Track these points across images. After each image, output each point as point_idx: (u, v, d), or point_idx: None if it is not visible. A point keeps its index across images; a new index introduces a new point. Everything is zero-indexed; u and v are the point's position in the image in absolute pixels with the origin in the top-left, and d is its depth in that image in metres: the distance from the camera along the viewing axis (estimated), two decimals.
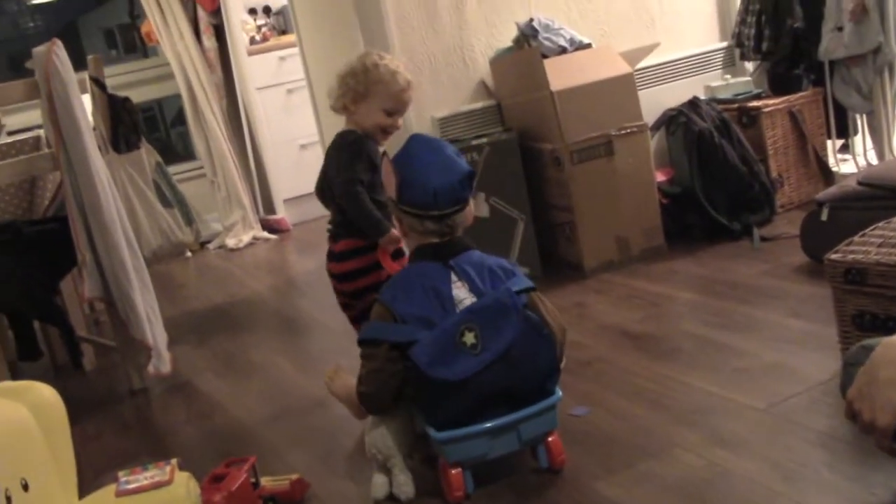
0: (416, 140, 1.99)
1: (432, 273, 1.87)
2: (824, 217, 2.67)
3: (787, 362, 2.12)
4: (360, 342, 1.89)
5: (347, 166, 2.14)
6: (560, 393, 1.86)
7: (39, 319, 2.94)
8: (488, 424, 1.78)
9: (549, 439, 1.85)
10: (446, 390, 1.75)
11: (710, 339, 2.36)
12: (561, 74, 3.04)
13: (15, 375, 2.80)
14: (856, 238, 2.04)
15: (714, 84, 3.55)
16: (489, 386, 1.77)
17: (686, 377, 2.16)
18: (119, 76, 5.62)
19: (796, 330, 2.30)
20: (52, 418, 1.65)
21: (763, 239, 3.06)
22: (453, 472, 1.80)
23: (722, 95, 3.46)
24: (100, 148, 3.08)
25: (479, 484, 1.83)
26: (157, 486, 1.66)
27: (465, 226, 1.95)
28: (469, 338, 1.78)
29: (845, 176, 3.32)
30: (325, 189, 2.23)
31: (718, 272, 2.86)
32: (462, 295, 1.84)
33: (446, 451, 1.79)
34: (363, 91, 2.15)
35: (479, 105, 3.39)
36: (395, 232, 2.09)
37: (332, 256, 2.23)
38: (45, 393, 1.66)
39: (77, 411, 2.82)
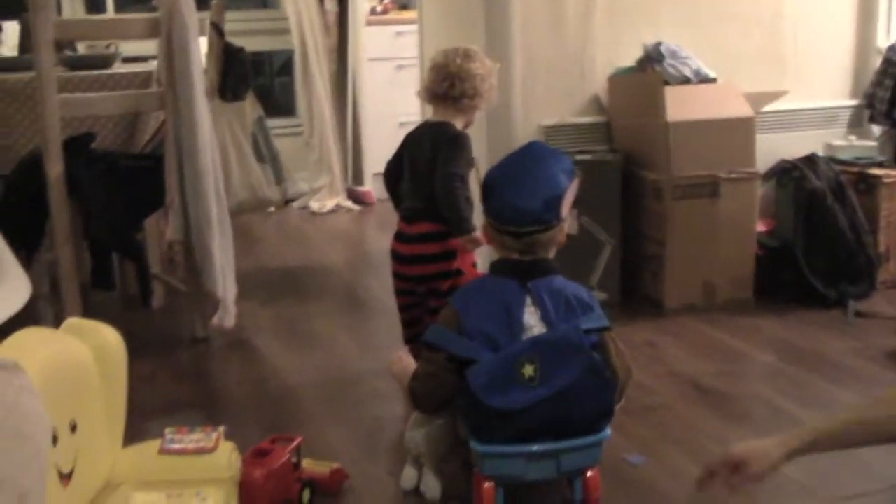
0: (525, 148, 1.98)
1: (508, 291, 1.83)
2: None
3: (864, 455, 1.98)
4: (424, 343, 1.88)
5: (454, 160, 2.13)
6: (609, 432, 1.81)
7: (119, 252, 2.97)
8: (530, 448, 1.75)
9: (588, 474, 1.81)
10: (495, 415, 1.74)
11: (785, 409, 2.26)
12: (680, 105, 2.94)
13: (85, 302, 2.83)
14: None
15: (836, 143, 3.39)
16: (538, 419, 1.74)
17: None
18: (237, 22, 5.67)
19: None
20: (113, 363, 1.65)
21: (858, 314, 2.91)
22: (486, 485, 1.78)
23: (842, 156, 3.30)
24: (206, 93, 3.10)
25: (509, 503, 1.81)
26: (200, 451, 1.65)
27: (554, 247, 1.91)
28: (528, 370, 1.74)
29: None
30: (406, 172, 2.25)
31: (805, 340, 2.73)
32: (532, 322, 1.81)
33: (483, 464, 1.78)
34: (488, 88, 2.19)
35: (588, 119, 3.30)
36: (479, 235, 2.05)
37: (405, 238, 2.23)
38: (110, 337, 1.66)
39: (137, 348, 2.82)
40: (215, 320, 2.82)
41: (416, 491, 1.91)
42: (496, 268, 1.91)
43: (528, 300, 1.82)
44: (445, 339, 1.82)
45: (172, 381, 2.60)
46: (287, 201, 5.02)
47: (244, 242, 4.27)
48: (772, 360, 2.60)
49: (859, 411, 1.64)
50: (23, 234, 2.66)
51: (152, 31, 2.67)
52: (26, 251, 2.69)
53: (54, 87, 2.54)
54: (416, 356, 2.12)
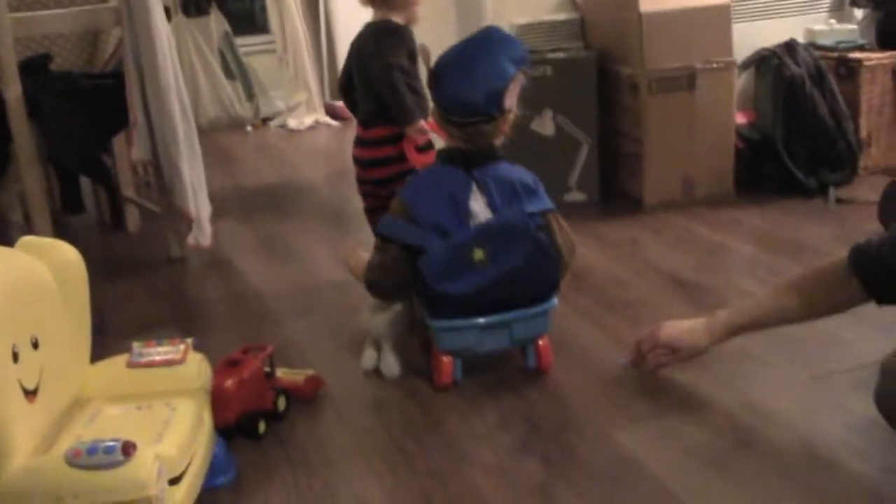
0: (477, 34, 1.94)
1: (454, 180, 1.89)
2: None
3: (840, 334, 2.00)
4: (377, 234, 1.96)
5: (388, 51, 2.15)
6: (556, 301, 1.93)
7: (85, 175, 2.92)
8: (482, 319, 1.86)
9: (540, 343, 1.92)
10: (448, 299, 1.84)
11: None
12: None
13: (59, 228, 2.80)
14: None
15: (816, 27, 3.31)
16: (490, 298, 1.85)
17: None
18: None
19: None
20: (72, 279, 1.61)
21: (839, 200, 2.89)
22: (444, 359, 1.89)
23: (822, 41, 3.22)
24: (168, 9, 3.01)
25: (468, 374, 1.91)
26: (168, 363, 1.63)
27: (499, 136, 1.93)
28: (478, 254, 1.83)
29: None
30: (356, 78, 2.25)
31: (785, 229, 2.71)
32: (478, 208, 1.87)
33: (439, 338, 1.89)
34: None
35: (562, 16, 3.22)
36: (423, 123, 2.10)
37: (363, 143, 2.26)
38: (68, 253, 1.62)
39: (113, 271, 2.85)
40: (191, 240, 2.79)
41: (377, 371, 2.00)
42: (442, 156, 1.95)
43: (474, 187, 1.87)
44: (397, 230, 1.88)
45: (149, 300, 2.58)
46: (264, 120, 4.98)
47: (222, 162, 4.22)
48: (751, 251, 2.58)
49: (769, 299, 1.77)
50: None
51: None
52: None
53: (4, 6, 2.46)
54: None
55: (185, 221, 2.78)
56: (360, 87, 2.26)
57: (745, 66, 3.13)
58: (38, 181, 2.61)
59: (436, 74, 1.91)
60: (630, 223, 2.87)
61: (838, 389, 1.77)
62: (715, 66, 2.88)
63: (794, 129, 2.98)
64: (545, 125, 2.99)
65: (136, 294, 2.63)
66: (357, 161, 2.29)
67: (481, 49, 1.90)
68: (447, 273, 1.82)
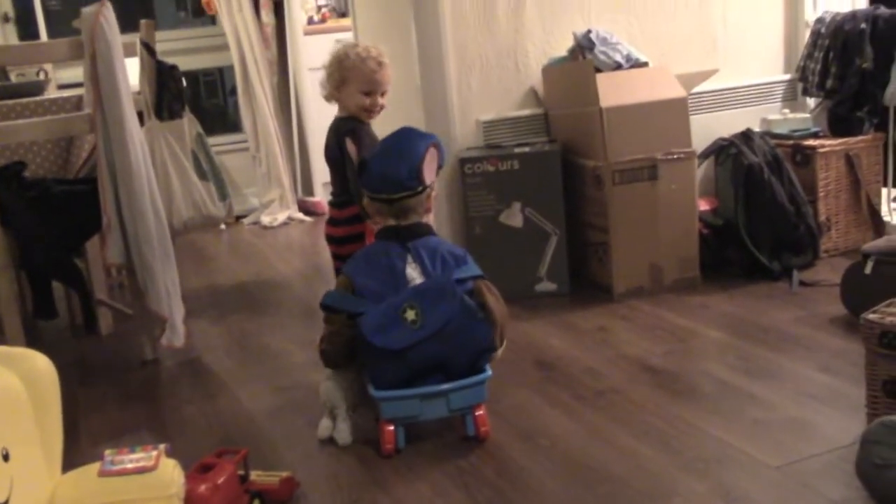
0: (397, 131, 2.24)
1: (392, 252, 2.13)
2: (868, 270, 2.56)
3: (810, 419, 2.03)
4: (322, 307, 2.16)
5: (346, 146, 2.38)
6: (490, 372, 2.09)
7: (58, 280, 2.93)
8: (420, 389, 2.04)
9: (477, 413, 2.07)
10: (386, 356, 2.03)
11: (733, 383, 2.27)
12: (613, 91, 2.96)
13: (31, 333, 2.79)
14: None
15: (771, 117, 3.43)
16: (424, 357, 2.03)
17: (701, 422, 2.07)
18: (183, 40, 5.63)
19: (824, 386, 2.20)
20: (44, 389, 1.61)
21: (802, 283, 2.95)
22: (387, 427, 2.05)
23: (778, 130, 3.34)
24: (142, 114, 3.07)
25: (411, 442, 2.07)
26: (140, 470, 1.62)
27: (424, 212, 2.18)
28: (410, 314, 2.04)
29: None
30: (330, 166, 2.51)
31: (751, 313, 2.75)
32: (414, 275, 2.10)
33: (382, 407, 2.06)
34: (341, 78, 2.41)
35: (526, 112, 3.32)
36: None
37: (337, 222, 2.47)
38: (40, 363, 1.63)
39: (86, 375, 2.84)
40: (164, 341, 2.79)
41: (331, 440, 2.15)
42: (380, 234, 2.19)
43: (409, 257, 2.12)
44: (341, 301, 2.11)
45: (122, 404, 2.57)
46: (238, 218, 5.02)
47: (195, 261, 4.24)
48: (719, 336, 2.62)
49: None
50: None
51: (75, 53, 2.64)
52: None
53: None
54: None
55: (158, 323, 2.78)
56: (331, 173, 2.49)
57: (705, 155, 3.23)
58: (9, 287, 2.61)
59: (364, 164, 2.18)
60: (600, 311, 2.91)
61: (811, 475, 1.79)
62: (675, 156, 2.97)
63: (756, 215, 3.06)
64: (514, 218, 3.05)
65: (109, 398, 2.61)
66: (331, 239, 2.50)
67: (399, 139, 2.20)
68: (382, 329, 2.03)
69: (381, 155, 2.17)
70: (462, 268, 2.12)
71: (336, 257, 2.48)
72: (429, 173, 2.16)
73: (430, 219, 2.24)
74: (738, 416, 2.09)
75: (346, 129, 2.40)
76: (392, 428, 2.05)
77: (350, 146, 2.30)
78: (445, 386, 2.04)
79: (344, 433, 2.14)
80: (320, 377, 2.21)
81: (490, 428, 2.08)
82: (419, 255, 2.12)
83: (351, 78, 2.39)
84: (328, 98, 2.49)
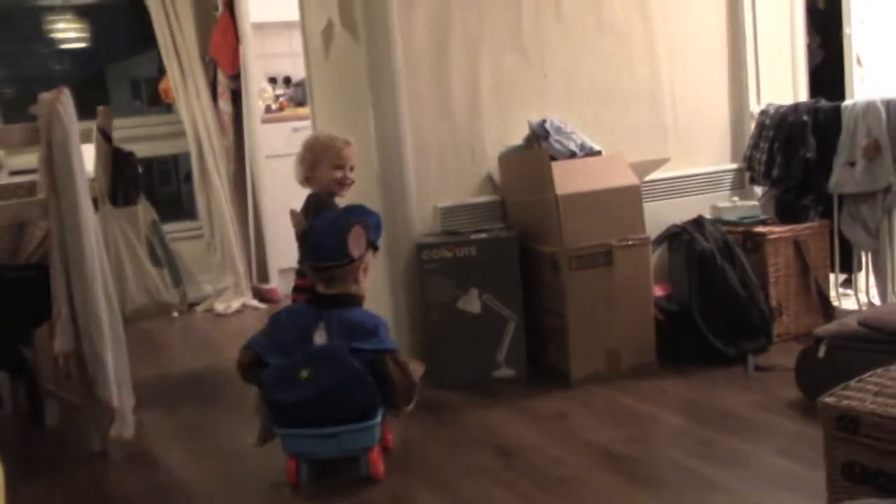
0: (346, 206, 2.62)
1: (308, 316, 2.42)
2: (821, 354, 2.59)
3: None
4: (247, 345, 2.46)
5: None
6: (378, 418, 2.35)
7: (4, 369, 2.85)
8: (313, 430, 2.32)
9: (371, 454, 2.35)
10: (283, 405, 2.33)
11: (693, 469, 2.26)
12: (567, 178, 3.01)
13: None
14: (852, 383, 1.95)
15: (721, 205, 3.52)
16: (315, 410, 2.31)
17: None
18: (140, 128, 5.64)
19: (783, 470, 2.20)
20: None
21: (757, 368, 2.97)
22: (290, 462, 2.37)
23: (728, 217, 3.42)
24: (96, 200, 3.05)
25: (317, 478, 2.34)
26: None
27: (353, 282, 2.44)
28: (304, 374, 2.31)
29: (846, 312, 3.26)
30: None
31: (709, 398, 2.76)
32: (319, 340, 2.37)
33: (283, 442, 2.38)
34: (314, 159, 2.77)
35: (483, 199, 3.36)
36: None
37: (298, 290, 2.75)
38: None
39: (32, 468, 2.73)
40: (112, 432, 2.71)
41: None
42: (308, 298, 2.50)
43: (322, 325, 2.38)
44: (258, 344, 2.42)
45: (69, 499, 2.47)
46: (191, 305, 4.95)
47: (146, 350, 4.15)
48: (679, 422, 2.62)
49: None
50: None
51: (31, 139, 2.63)
52: None
53: None
54: None
55: (107, 413, 2.71)
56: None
57: (659, 241, 3.28)
58: None
59: (305, 235, 2.45)
60: (558, 397, 2.90)
61: None
62: (630, 242, 3.02)
63: (709, 301, 3.10)
64: (472, 303, 3.05)
65: (55, 493, 2.51)
66: (298, 290, 2.74)
67: (339, 215, 2.53)
68: (279, 384, 2.33)
69: (320, 227, 2.46)
70: (368, 340, 2.36)
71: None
72: (355, 248, 2.40)
73: (361, 288, 2.49)
74: (697, 503, 2.07)
75: (313, 200, 2.73)
76: (294, 464, 2.36)
77: (295, 215, 2.53)
78: (334, 429, 2.32)
79: (256, 437, 2.48)
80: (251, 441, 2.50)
81: (384, 470, 2.35)
82: (330, 324, 2.37)
83: (322, 158, 2.76)
84: (303, 181, 2.80)
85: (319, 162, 2.76)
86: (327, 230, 2.43)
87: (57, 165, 2.58)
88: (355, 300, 2.46)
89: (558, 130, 3.22)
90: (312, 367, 2.31)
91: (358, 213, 2.51)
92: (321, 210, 2.64)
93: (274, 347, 2.38)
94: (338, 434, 2.32)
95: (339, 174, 2.75)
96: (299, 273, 2.71)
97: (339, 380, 2.29)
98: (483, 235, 3.11)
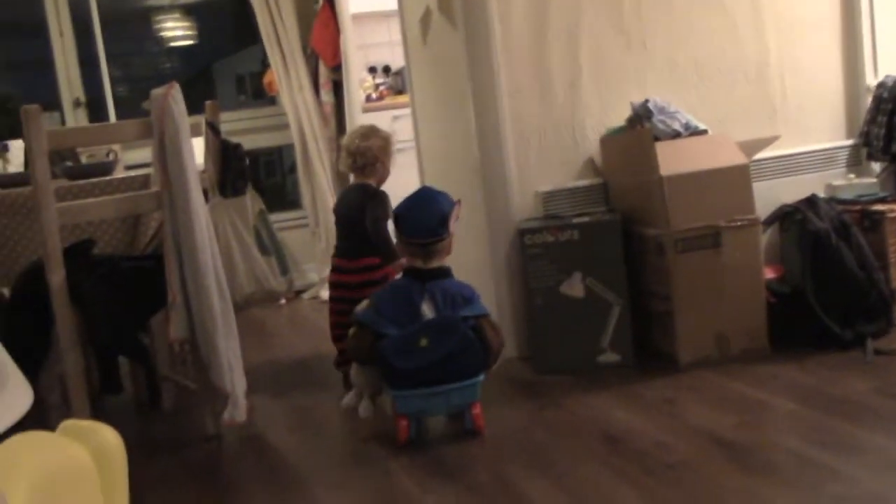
0: (421, 189, 2.88)
1: (413, 289, 2.66)
2: None
3: (893, 495, 1.93)
4: (355, 321, 2.69)
5: (377, 211, 3.09)
6: (482, 377, 2.59)
7: (124, 355, 2.97)
8: (420, 391, 2.54)
9: (474, 411, 2.58)
10: (401, 373, 2.54)
11: (809, 457, 2.18)
12: (672, 159, 2.94)
13: (96, 408, 2.82)
14: None
15: (836, 183, 3.38)
16: (430, 375, 2.52)
17: (779, 498, 1.99)
18: (244, 121, 5.80)
19: None
20: (113, 464, 1.61)
21: (877, 352, 2.85)
22: (402, 422, 2.57)
23: (844, 195, 3.28)
24: (206, 191, 3.14)
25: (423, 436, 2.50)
26: None
27: (446, 254, 2.71)
28: (423, 342, 2.55)
29: None
30: (344, 225, 3.24)
31: (825, 383, 2.66)
32: (427, 310, 2.62)
33: (397, 403, 2.58)
34: (391, 152, 3.21)
35: (584, 183, 3.32)
36: (403, 261, 2.79)
37: (352, 271, 3.14)
38: (109, 437, 1.63)
39: (149, 450, 2.84)
40: (226, 416, 2.79)
41: (355, 412, 2.83)
42: (407, 272, 2.73)
43: (426, 295, 2.63)
44: (369, 318, 2.64)
45: (185, 480, 2.56)
46: (298, 292, 5.06)
47: (256, 337, 4.27)
48: (792, 407, 2.53)
49: None
50: (29, 344, 2.67)
51: (144, 133, 2.72)
52: (34, 361, 2.70)
53: (51, 195, 2.58)
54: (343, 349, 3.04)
55: (220, 398, 2.79)
56: (346, 229, 3.21)
57: (769, 222, 3.17)
58: (77, 363, 2.65)
59: (399, 216, 2.73)
60: (666, 382, 2.84)
61: None
62: (739, 223, 2.93)
63: (825, 282, 2.98)
64: (575, 288, 3.02)
65: (172, 474, 2.61)
66: (346, 285, 3.12)
67: (424, 197, 2.76)
68: (400, 353, 2.54)
69: (413, 208, 2.72)
70: (468, 307, 2.63)
71: (344, 301, 3.04)
72: (453, 223, 2.70)
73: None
74: (817, 491, 2.00)
75: (376, 192, 3.15)
76: (406, 422, 2.55)
77: (389, 204, 2.95)
78: (445, 387, 2.54)
79: (367, 409, 2.79)
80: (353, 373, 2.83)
81: (485, 424, 2.58)
82: (434, 294, 2.63)
83: (390, 153, 3.21)
84: (373, 170, 3.19)
85: (392, 155, 3.19)
86: (425, 210, 2.69)
87: (169, 158, 2.67)
88: (450, 272, 2.71)
89: (661, 110, 3.14)
90: (430, 336, 2.54)
91: (439, 194, 2.77)
92: (386, 206, 3.07)
93: (387, 321, 2.60)
94: (447, 392, 2.54)
95: (385, 174, 3.21)
96: (354, 255, 3.11)
97: (455, 346, 2.53)
98: (586, 219, 3.07)
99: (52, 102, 5.34)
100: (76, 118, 5.35)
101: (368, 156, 3.17)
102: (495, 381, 3.10)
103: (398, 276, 2.91)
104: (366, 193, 3.15)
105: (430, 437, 2.65)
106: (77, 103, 5.35)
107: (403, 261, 2.79)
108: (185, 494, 2.46)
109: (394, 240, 2.91)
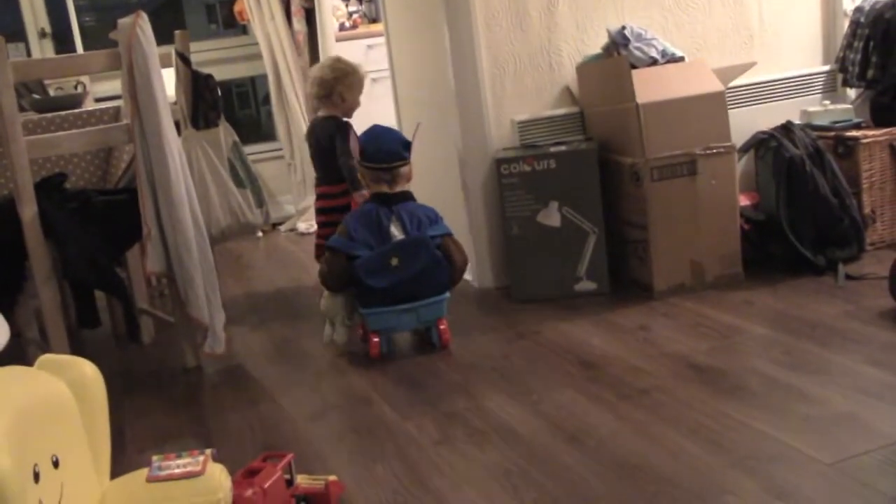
0: (374, 126, 2.94)
1: (380, 212, 2.78)
2: None
3: (861, 415, 1.98)
4: (327, 247, 2.80)
5: (345, 143, 3.11)
6: (448, 294, 2.77)
7: (100, 289, 2.95)
8: (390, 308, 2.71)
9: (441, 327, 2.77)
10: (374, 291, 2.70)
11: (780, 379, 2.23)
12: (649, 87, 2.93)
13: (75, 342, 2.82)
14: None
15: (811, 109, 3.38)
16: (402, 292, 2.70)
17: (749, 419, 2.04)
18: (215, 51, 5.68)
19: (874, 380, 2.16)
20: (91, 396, 1.62)
21: (848, 277, 2.89)
22: (374, 338, 2.75)
23: (818, 122, 3.29)
24: (178, 123, 3.09)
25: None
26: (188, 475, 1.62)
27: (407, 179, 2.86)
28: (394, 261, 2.70)
29: None
30: (323, 151, 3.33)
31: (796, 308, 2.71)
32: (396, 231, 2.76)
33: (368, 321, 2.76)
34: (350, 84, 3.28)
35: (561, 111, 3.30)
36: (366, 193, 2.93)
37: (335, 195, 3.31)
38: (87, 370, 1.64)
39: (130, 384, 2.86)
40: (205, 348, 2.81)
41: (332, 343, 2.87)
42: (373, 198, 2.84)
43: (393, 217, 2.77)
44: (341, 244, 2.76)
45: (166, 412, 2.58)
46: (274, 225, 5.05)
47: (233, 269, 4.27)
48: (764, 332, 2.58)
49: None
50: (3, 279, 2.65)
51: (112, 64, 2.67)
52: (8, 296, 2.68)
53: (19, 128, 2.53)
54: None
55: (199, 330, 2.80)
56: (321, 161, 3.35)
57: (744, 149, 3.18)
58: (53, 297, 2.64)
59: (363, 145, 2.84)
60: (641, 310, 2.88)
61: (864, 471, 1.75)
62: (714, 151, 2.93)
63: (798, 209, 3.01)
64: (551, 217, 3.03)
65: (154, 406, 2.63)
66: (333, 210, 3.28)
67: (380, 128, 2.90)
68: (372, 272, 2.69)
69: (376, 137, 2.85)
70: (434, 226, 2.78)
71: (327, 225, 3.25)
72: (414, 147, 2.82)
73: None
74: (787, 412, 2.05)
75: (342, 124, 3.21)
76: (377, 339, 2.74)
77: (354, 135, 2.92)
78: (415, 303, 2.71)
79: (341, 336, 2.84)
80: (321, 299, 2.88)
81: (450, 338, 2.78)
82: (401, 216, 2.77)
83: (356, 84, 3.29)
84: (335, 102, 3.30)
85: (353, 88, 3.27)
86: (385, 137, 2.85)
87: (139, 89, 2.62)
88: (413, 196, 2.85)
89: (638, 37, 3.11)
90: (401, 255, 2.69)
91: (387, 127, 2.95)
92: (348, 130, 3.05)
93: (359, 244, 2.73)
94: (416, 308, 2.72)
95: (359, 102, 3.31)
96: (332, 182, 3.26)
97: (424, 264, 2.69)
98: (562, 148, 3.06)
99: (16, 33, 5.20)
100: (42, 50, 5.22)
101: (325, 86, 3.27)
102: (473, 310, 3.14)
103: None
104: (331, 125, 3.27)
105: (398, 351, 2.82)
106: (42, 34, 5.22)
107: (366, 192, 2.94)
108: (168, 425, 2.48)
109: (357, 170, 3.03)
